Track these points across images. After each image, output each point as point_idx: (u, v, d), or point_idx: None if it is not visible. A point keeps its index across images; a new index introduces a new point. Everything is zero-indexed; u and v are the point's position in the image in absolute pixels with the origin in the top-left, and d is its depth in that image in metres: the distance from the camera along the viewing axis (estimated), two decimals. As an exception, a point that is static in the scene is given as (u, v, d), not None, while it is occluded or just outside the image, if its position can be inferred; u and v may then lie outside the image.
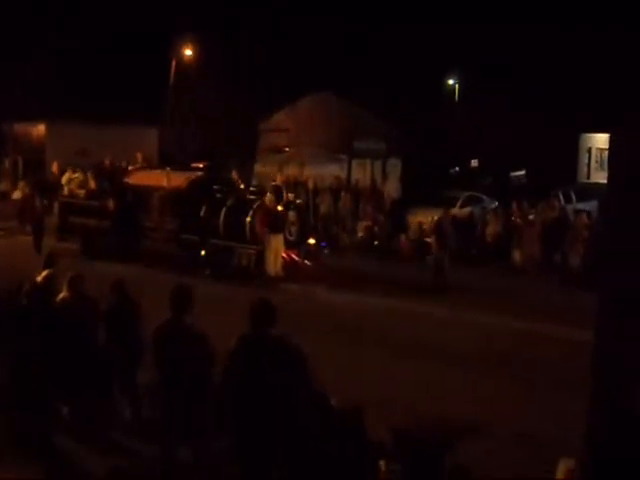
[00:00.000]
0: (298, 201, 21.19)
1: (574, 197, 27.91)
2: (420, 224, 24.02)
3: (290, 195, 21.53)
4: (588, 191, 28.90)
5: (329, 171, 32.99)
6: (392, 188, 32.57)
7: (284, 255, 19.23)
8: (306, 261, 19.56)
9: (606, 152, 31.05)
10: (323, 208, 25.94)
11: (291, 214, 19.68)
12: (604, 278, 4.76)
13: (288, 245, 19.42)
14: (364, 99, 36.73)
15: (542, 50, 35.78)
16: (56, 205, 24.30)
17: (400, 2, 38.93)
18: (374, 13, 38.40)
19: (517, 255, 21.90)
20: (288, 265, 19.28)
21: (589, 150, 42.90)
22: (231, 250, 19.38)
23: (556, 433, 9.14)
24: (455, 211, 24.59)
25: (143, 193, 21.02)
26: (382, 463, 6.97)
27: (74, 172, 25.72)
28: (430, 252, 21.50)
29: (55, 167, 28.04)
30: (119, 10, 36.09)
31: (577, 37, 32.11)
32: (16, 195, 27.45)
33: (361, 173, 35.42)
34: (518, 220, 22.76)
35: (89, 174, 24.35)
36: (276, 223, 19.03)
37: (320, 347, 9.78)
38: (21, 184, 28.71)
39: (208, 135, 37.12)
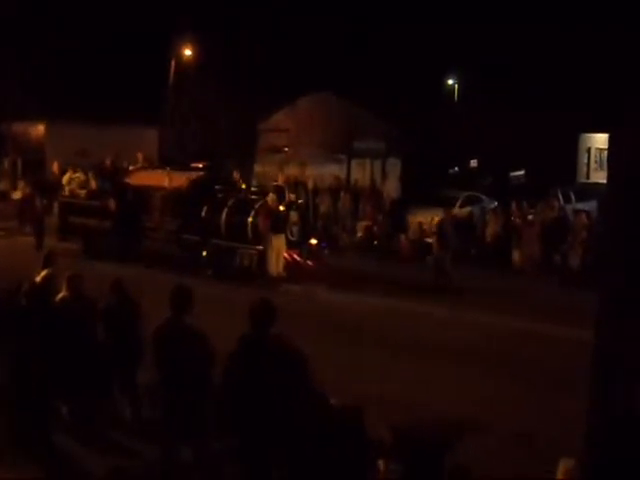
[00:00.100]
0: (300, 201, 21.12)
1: (573, 197, 27.90)
2: (420, 224, 24.03)
3: (292, 195, 21.48)
4: (587, 191, 28.91)
5: (329, 171, 32.99)
6: (391, 188, 32.61)
7: (286, 255, 19.16)
8: (308, 261, 19.49)
9: (605, 152, 31.01)
10: (323, 208, 25.94)
11: (293, 214, 19.60)
12: (604, 278, 4.76)
13: (290, 245, 19.34)
14: (364, 99, 36.72)
15: (541, 50, 35.78)
16: (56, 205, 24.27)
17: (400, 2, 38.92)
18: (374, 13, 38.38)
19: (516, 255, 21.91)
20: (290, 265, 19.21)
21: (588, 150, 42.91)
22: (233, 250, 19.33)
23: (556, 433, 9.15)
24: (454, 211, 24.58)
25: (144, 193, 20.97)
26: (381, 462, 6.98)
27: (75, 172, 25.70)
28: (430, 252, 21.53)
29: (56, 167, 28.02)
30: (119, 10, 36.05)
31: (577, 37, 32.10)
32: (16, 195, 27.42)
33: (360, 173, 35.44)
34: (517, 220, 22.77)
35: (90, 174, 24.33)
36: (278, 223, 18.98)
37: (321, 347, 9.81)
38: (21, 184, 28.70)
39: (208, 135, 37.11)
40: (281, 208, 19.30)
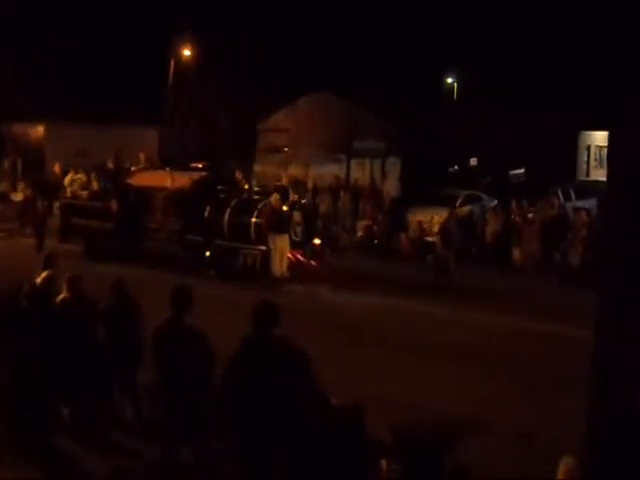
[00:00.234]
0: (303, 201, 21.03)
1: (573, 195, 27.86)
2: (420, 223, 24.01)
3: (295, 195, 21.41)
4: (587, 189, 28.84)
5: (328, 171, 32.99)
6: (391, 187, 32.61)
7: (289, 256, 19.09)
8: (312, 261, 19.43)
9: (605, 150, 30.97)
10: (322, 208, 25.93)
11: (296, 214, 19.49)
12: (603, 276, 4.77)
13: (293, 245, 19.25)
14: (363, 99, 36.71)
15: (540, 48, 35.76)
16: (56, 206, 24.25)
17: (400, 2, 38.91)
18: (374, 13, 38.38)
19: (517, 253, 21.91)
20: (294, 265, 19.14)
21: (588, 148, 42.83)
22: (236, 251, 19.26)
23: (556, 433, 9.14)
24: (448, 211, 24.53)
25: (146, 194, 20.88)
26: (384, 462, 6.97)
27: (77, 173, 25.70)
28: (430, 251, 21.53)
29: (57, 168, 28.02)
30: (119, 10, 36.05)
31: (576, 36, 32.08)
32: (18, 197, 27.39)
33: (360, 172, 35.42)
34: (517, 218, 22.77)
35: (92, 175, 24.30)
36: (281, 223, 18.92)
37: (323, 347, 9.79)
38: (21, 185, 28.70)
39: (208, 135, 37.11)
40: (284, 208, 19.24)
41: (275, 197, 19.29)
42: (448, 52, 39.13)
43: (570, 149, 40.39)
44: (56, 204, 24.39)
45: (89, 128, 34.20)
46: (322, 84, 36.62)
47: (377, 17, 38.68)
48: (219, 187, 20.52)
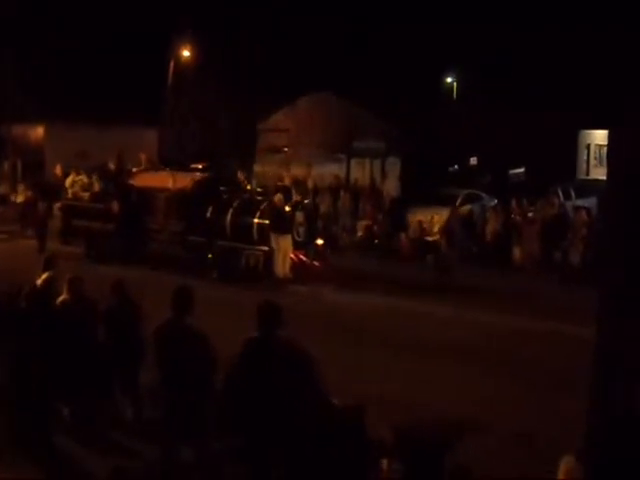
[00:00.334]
0: (306, 201, 20.91)
1: (573, 194, 27.83)
2: (420, 223, 24.00)
3: (298, 196, 21.34)
4: (587, 188, 28.80)
5: (328, 170, 32.99)
6: (391, 187, 32.60)
7: (292, 256, 19.03)
8: (314, 262, 19.37)
9: (605, 148, 30.99)
10: (322, 208, 25.91)
11: (299, 215, 19.43)
12: (603, 275, 4.77)
13: (296, 246, 19.17)
14: (363, 99, 36.71)
15: (540, 47, 35.74)
16: (56, 207, 24.23)
17: (400, 2, 38.91)
18: (374, 13, 38.37)
19: (517, 253, 21.90)
20: (296, 266, 19.07)
21: (588, 146, 42.77)
22: (238, 251, 19.19)
23: (556, 433, 9.13)
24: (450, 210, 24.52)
25: (148, 195, 20.77)
26: (384, 462, 6.97)
27: (78, 174, 25.68)
28: (431, 251, 21.54)
29: (59, 170, 28.00)
30: (119, 10, 36.06)
31: (576, 36, 32.07)
32: (19, 199, 27.34)
33: (360, 172, 35.41)
34: (518, 217, 22.76)
35: (94, 176, 24.27)
36: (284, 224, 18.87)
37: (326, 348, 9.77)
38: (21, 187, 28.67)
39: (207, 135, 37.11)
40: (287, 208, 19.19)
41: (278, 197, 19.26)
42: (447, 52, 39.11)
43: (570, 148, 40.34)
44: (56, 205, 24.37)
45: (89, 129, 34.20)
46: (322, 84, 36.62)
47: (377, 17, 38.68)
48: (221, 188, 20.45)
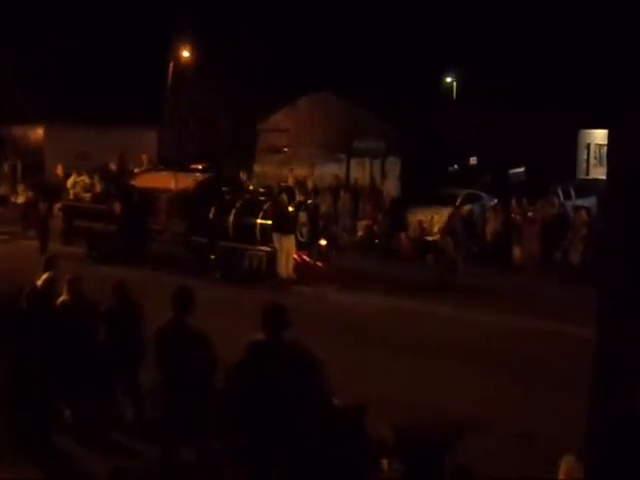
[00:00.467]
0: (309, 201, 20.84)
1: (573, 193, 27.81)
2: (420, 223, 24.02)
3: (302, 196, 21.28)
4: (587, 187, 28.78)
5: (328, 170, 32.98)
6: (391, 187, 32.59)
7: (295, 257, 18.95)
8: (318, 262, 19.30)
9: (605, 148, 30.98)
10: (323, 208, 25.89)
11: (302, 215, 19.35)
12: (604, 274, 4.76)
13: (299, 246, 19.09)
14: (363, 99, 36.71)
15: (540, 47, 35.74)
16: (56, 208, 24.22)
17: (400, 2, 38.91)
18: (374, 13, 38.38)
19: (517, 252, 21.91)
20: (299, 267, 19.00)
21: (588, 146, 42.75)
22: (241, 252, 19.15)
23: (556, 433, 9.13)
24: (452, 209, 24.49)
25: (150, 195, 20.72)
26: (385, 462, 6.97)
27: (79, 175, 25.68)
28: (431, 251, 21.56)
29: (60, 170, 28.00)
30: (119, 10, 36.06)
31: (576, 36, 32.08)
32: (20, 199, 27.34)
33: (360, 172, 35.39)
34: (518, 217, 22.77)
35: (95, 177, 24.26)
36: (287, 224, 18.82)
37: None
38: (21, 188, 28.69)
39: (207, 136, 37.10)
40: (290, 209, 19.14)
41: (282, 197, 19.23)
42: (447, 52, 39.12)
43: (570, 147, 40.33)
44: (57, 206, 24.36)
45: (89, 130, 34.18)
46: (322, 84, 36.62)
47: (377, 17, 38.68)
48: (223, 188, 20.41)
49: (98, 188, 23.19)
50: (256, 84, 34.59)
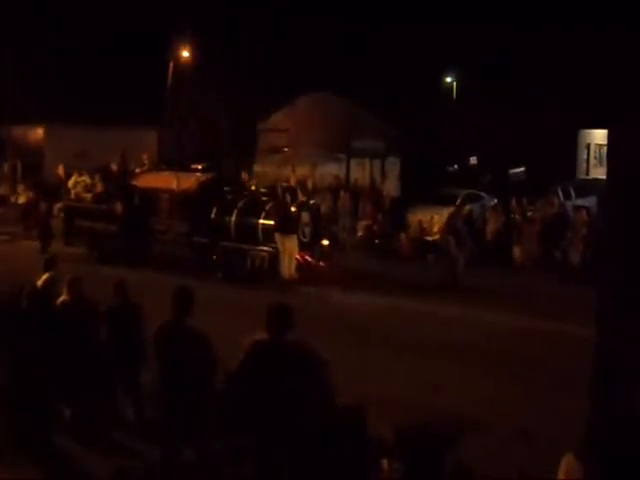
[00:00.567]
0: (312, 202, 20.76)
1: (573, 193, 27.81)
2: (420, 223, 24.02)
3: (304, 197, 21.27)
4: (587, 187, 28.77)
5: (328, 170, 32.98)
6: (391, 187, 32.62)
7: (298, 257, 18.89)
8: (320, 262, 19.26)
9: (605, 148, 30.95)
10: (322, 208, 25.86)
11: (304, 215, 19.29)
12: (603, 274, 4.77)
13: (302, 246, 19.02)
14: (362, 98, 36.70)
15: (539, 47, 35.74)
16: (57, 207, 24.20)
17: (399, 2, 38.91)
18: (374, 13, 38.37)
19: (517, 252, 21.91)
20: (302, 267, 18.92)
21: (588, 146, 42.72)
22: (243, 252, 19.11)
23: (556, 433, 9.13)
24: (453, 209, 24.46)
25: (152, 196, 20.66)
26: (385, 461, 6.97)
27: (80, 175, 25.66)
28: (430, 251, 21.56)
29: (61, 170, 27.99)
30: (119, 10, 36.07)
31: (576, 36, 32.07)
32: (20, 200, 27.34)
33: (360, 172, 35.40)
34: (518, 217, 22.79)
35: (97, 177, 24.24)
36: (290, 224, 18.77)
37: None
38: (20, 188, 28.70)
39: (207, 136, 37.09)
40: (293, 209, 19.09)
41: (284, 198, 19.19)
42: (447, 51, 39.10)
43: (570, 147, 40.31)
44: (57, 206, 24.35)
45: (89, 130, 34.16)
46: (322, 84, 36.60)
47: (377, 17, 38.68)
48: (225, 188, 20.37)
49: (99, 188, 23.18)
50: (256, 84, 34.59)
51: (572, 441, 5.09)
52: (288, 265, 18.66)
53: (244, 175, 23.25)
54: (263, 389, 6.93)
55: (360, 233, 24.96)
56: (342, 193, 27.13)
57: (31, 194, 24.76)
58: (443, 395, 10.98)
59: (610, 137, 4.89)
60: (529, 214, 22.74)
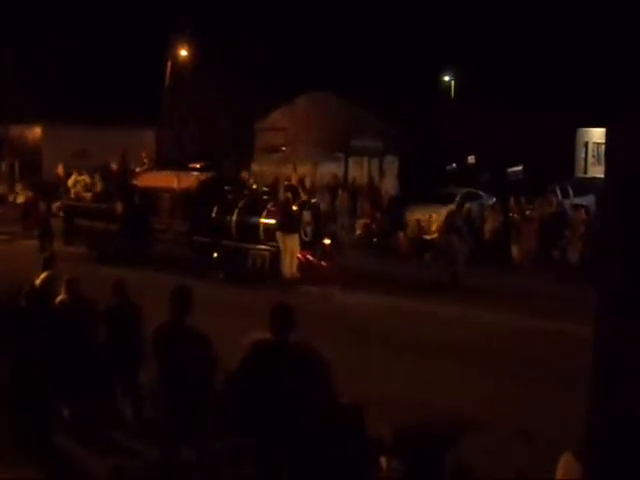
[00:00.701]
0: (313, 200, 20.67)
1: (571, 192, 27.83)
2: (418, 221, 24.03)
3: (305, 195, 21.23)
4: (585, 186, 28.82)
5: (326, 169, 32.96)
6: (389, 185, 32.57)
7: (299, 256, 18.83)
8: (322, 262, 19.19)
9: (603, 146, 30.95)
10: (321, 206, 25.85)
11: (306, 214, 19.21)
12: (602, 273, 4.77)
13: (303, 246, 18.96)
14: (361, 98, 36.71)
15: (538, 46, 35.77)
16: (55, 207, 24.17)
17: (399, 2, 38.94)
18: (373, 13, 38.40)
19: (515, 251, 21.91)
20: (304, 266, 18.86)
21: (586, 144, 42.74)
22: (244, 251, 19.07)
23: (556, 433, 9.12)
24: (452, 208, 24.45)
25: (152, 195, 20.62)
26: (383, 460, 6.97)
27: (80, 174, 25.63)
28: (429, 249, 21.57)
29: (61, 170, 27.96)
30: (119, 10, 36.09)
31: (576, 36, 32.09)
32: (19, 199, 27.31)
33: (358, 171, 35.36)
34: (516, 216, 22.79)
35: (96, 176, 24.22)
36: (292, 223, 18.72)
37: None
38: (19, 187, 28.67)
39: (206, 136, 37.10)
40: (294, 208, 19.04)
41: (286, 196, 19.18)
42: (445, 51, 39.15)
43: (568, 146, 40.35)
44: (56, 205, 24.32)
45: (87, 130, 34.11)
46: (321, 84, 36.61)
47: (376, 17, 38.71)
48: (226, 187, 20.33)
49: (99, 187, 23.16)
50: (256, 84, 34.60)
51: (572, 441, 5.09)
52: (289, 264, 18.62)
53: (244, 174, 23.20)
54: (264, 389, 6.92)
55: (358, 232, 24.96)
56: (340, 192, 27.13)
57: (30, 193, 24.73)
58: (443, 395, 10.97)
59: (609, 137, 4.89)
60: (527, 213, 22.75)
